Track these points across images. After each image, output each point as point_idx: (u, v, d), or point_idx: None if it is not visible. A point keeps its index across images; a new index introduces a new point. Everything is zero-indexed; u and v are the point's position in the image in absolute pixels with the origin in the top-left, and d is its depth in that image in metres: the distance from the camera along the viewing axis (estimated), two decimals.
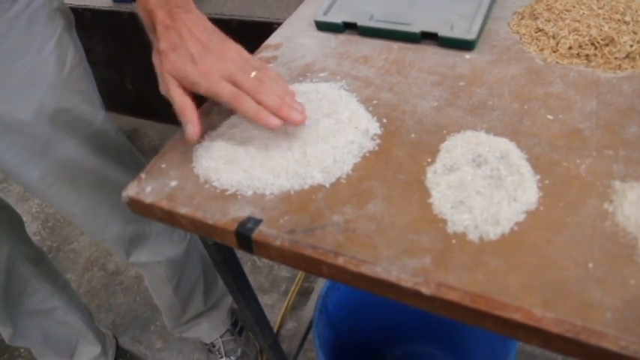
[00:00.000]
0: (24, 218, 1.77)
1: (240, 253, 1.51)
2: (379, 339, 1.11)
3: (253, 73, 0.55)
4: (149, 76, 2.16)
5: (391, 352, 1.15)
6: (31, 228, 1.75)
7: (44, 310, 1.08)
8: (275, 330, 1.30)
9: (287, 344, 1.12)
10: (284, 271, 1.44)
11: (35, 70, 0.73)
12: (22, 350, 1.41)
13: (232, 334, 1.26)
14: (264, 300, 1.38)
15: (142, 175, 0.58)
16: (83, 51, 0.85)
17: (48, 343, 1.14)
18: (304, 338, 1.11)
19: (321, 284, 1.05)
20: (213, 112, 0.65)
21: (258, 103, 0.53)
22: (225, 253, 0.68)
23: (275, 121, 0.53)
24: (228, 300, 1.23)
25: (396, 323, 1.08)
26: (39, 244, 1.68)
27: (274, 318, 1.33)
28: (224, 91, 0.54)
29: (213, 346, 1.25)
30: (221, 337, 1.25)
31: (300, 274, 1.39)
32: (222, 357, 1.25)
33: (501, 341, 0.87)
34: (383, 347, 1.14)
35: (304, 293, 1.37)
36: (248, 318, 0.82)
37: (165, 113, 2.11)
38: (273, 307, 1.37)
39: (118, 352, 1.36)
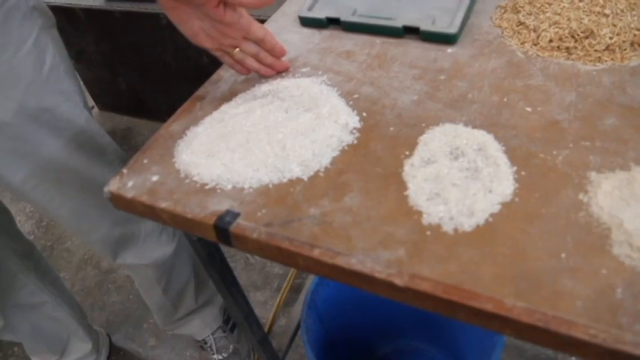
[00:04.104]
0: (18, 218, 1.79)
1: (233, 251, 1.51)
2: (370, 335, 1.12)
3: None
4: (142, 75, 2.17)
5: (382, 348, 1.16)
6: (25, 227, 1.75)
7: (33, 304, 1.08)
8: (267, 326, 1.30)
9: (278, 340, 1.12)
10: (276, 268, 1.44)
11: (13, 70, 0.73)
12: (15, 349, 1.42)
13: (224, 331, 1.26)
14: (257, 297, 1.39)
15: (124, 171, 0.58)
16: (65, 51, 0.84)
17: (38, 338, 1.14)
18: (295, 334, 1.11)
19: (312, 280, 1.05)
20: (196, 107, 0.65)
21: None
22: (210, 248, 0.68)
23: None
24: (220, 297, 1.23)
25: (387, 319, 1.08)
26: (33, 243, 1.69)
27: (267, 315, 1.34)
28: None
29: (205, 343, 1.26)
30: (213, 333, 1.25)
31: (292, 270, 1.39)
32: (214, 354, 1.25)
33: (489, 335, 0.87)
34: (374, 343, 1.15)
35: (296, 290, 1.37)
36: (236, 314, 0.83)
37: (159, 112, 2.12)
38: (266, 303, 1.37)
39: (112, 349, 1.36)
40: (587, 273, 0.40)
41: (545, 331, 0.38)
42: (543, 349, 1.24)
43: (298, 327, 1.12)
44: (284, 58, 0.67)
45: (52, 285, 1.13)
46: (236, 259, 1.48)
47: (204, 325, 1.23)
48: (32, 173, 0.81)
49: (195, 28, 0.61)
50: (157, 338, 1.38)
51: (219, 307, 1.25)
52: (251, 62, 0.65)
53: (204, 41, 0.62)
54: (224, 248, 1.38)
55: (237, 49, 0.64)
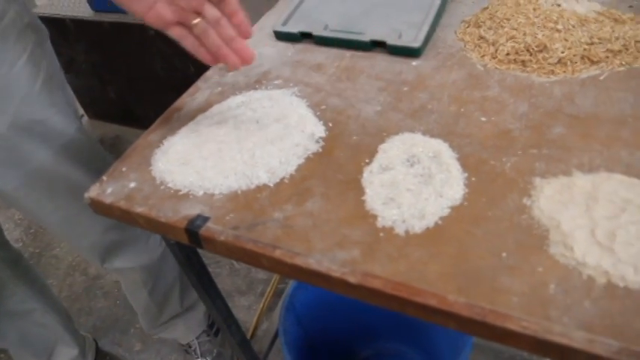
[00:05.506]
0: (6, 225, 1.81)
1: (218, 257, 1.53)
2: (349, 338, 1.14)
3: None
4: (131, 85, 2.19)
5: (362, 351, 1.18)
6: (14, 235, 1.77)
7: (22, 312, 1.10)
8: (251, 331, 1.33)
9: (261, 344, 1.15)
10: (260, 273, 1.47)
11: (8, 85, 0.76)
12: (2, 356, 1.43)
13: (208, 335, 1.29)
14: (241, 302, 1.41)
15: (104, 178, 0.62)
16: (58, 63, 0.87)
17: (25, 345, 1.16)
18: (275, 337, 1.14)
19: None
20: (174, 118, 0.68)
21: None
22: (188, 251, 0.71)
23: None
24: None
25: (366, 322, 1.10)
26: (21, 250, 1.71)
27: (250, 319, 1.36)
28: None
29: (190, 347, 1.28)
30: (197, 338, 1.28)
31: (276, 276, 1.42)
32: (198, 357, 1.28)
33: (460, 336, 0.91)
34: (353, 346, 1.17)
35: (280, 294, 1.40)
36: (215, 316, 0.85)
37: (147, 120, 2.15)
38: (250, 308, 1.40)
39: (98, 354, 1.38)
40: (524, 271, 0.44)
41: (483, 324, 0.41)
42: (519, 350, 1.28)
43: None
44: (259, 68, 0.66)
45: (40, 292, 1.15)
46: (221, 265, 1.51)
47: (188, 329, 1.26)
48: (24, 182, 0.84)
49: None
50: (142, 343, 1.40)
51: (203, 312, 1.28)
52: (212, 37, 0.57)
53: (163, 11, 0.55)
54: (210, 255, 1.41)
55: (198, 20, 0.56)
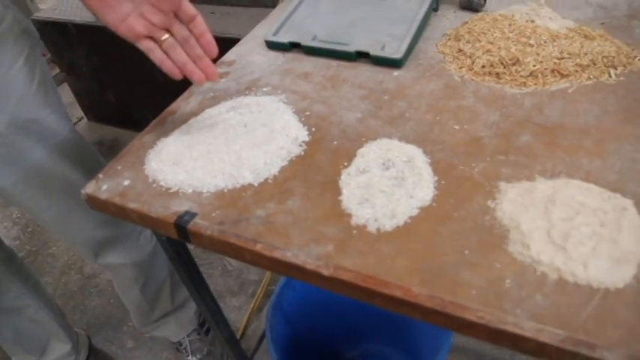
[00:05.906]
0: (4, 224, 1.84)
1: (212, 258, 1.56)
2: (335, 339, 1.18)
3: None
4: (130, 89, 2.23)
5: (348, 352, 1.22)
6: (12, 233, 1.81)
7: (16, 309, 1.13)
8: (241, 330, 1.36)
9: (250, 342, 1.18)
10: (252, 274, 1.50)
11: (6, 85, 0.80)
12: None
13: (199, 334, 1.32)
14: (232, 302, 1.45)
15: (100, 175, 0.65)
16: (48, 68, 0.92)
17: (19, 341, 1.18)
18: (264, 335, 1.18)
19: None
20: (168, 120, 0.72)
21: None
22: (178, 247, 0.75)
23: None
24: None
25: (352, 323, 1.14)
26: (18, 248, 1.74)
27: (241, 319, 1.40)
28: None
29: (180, 345, 1.31)
30: (188, 336, 1.31)
31: (267, 277, 1.45)
32: (188, 355, 1.31)
33: (440, 335, 0.94)
34: (339, 347, 1.21)
35: (270, 295, 1.44)
36: (204, 311, 0.89)
37: (145, 124, 2.18)
38: (241, 308, 1.43)
39: (91, 351, 1.41)
40: (484, 267, 0.47)
41: (444, 314, 0.45)
42: (501, 353, 1.31)
43: None
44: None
45: (34, 289, 1.18)
46: (214, 266, 1.54)
47: (179, 327, 1.29)
48: (21, 179, 0.88)
49: (126, 10, 0.59)
50: (135, 340, 1.43)
51: (194, 310, 1.31)
52: (180, 53, 0.62)
53: (135, 24, 0.60)
54: (203, 256, 1.44)
55: (167, 36, 0.62)
